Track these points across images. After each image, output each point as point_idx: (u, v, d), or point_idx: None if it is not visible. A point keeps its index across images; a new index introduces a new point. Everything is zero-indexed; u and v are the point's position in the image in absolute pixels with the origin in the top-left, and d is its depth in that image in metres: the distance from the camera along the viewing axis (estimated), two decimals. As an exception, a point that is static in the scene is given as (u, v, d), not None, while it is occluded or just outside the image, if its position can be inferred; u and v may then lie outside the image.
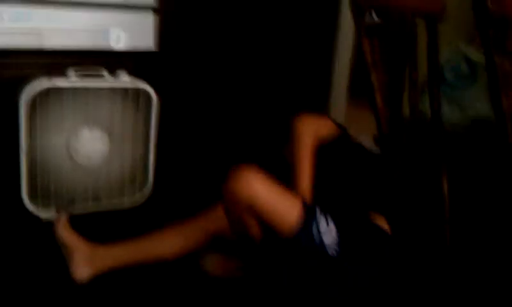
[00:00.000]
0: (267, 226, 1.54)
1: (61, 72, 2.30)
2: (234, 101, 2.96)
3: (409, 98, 2.14)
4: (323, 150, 1.78)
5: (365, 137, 2.30)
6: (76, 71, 2.28)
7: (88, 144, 2.34)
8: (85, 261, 1.86)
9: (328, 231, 1.54)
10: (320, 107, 2.84)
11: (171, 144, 2.76)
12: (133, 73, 2.42)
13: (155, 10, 2.63)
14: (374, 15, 2.12)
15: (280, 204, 1.53)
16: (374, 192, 1.83)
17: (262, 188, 1.51)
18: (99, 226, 2.30)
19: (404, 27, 2.24)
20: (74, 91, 2.27)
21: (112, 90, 2.34)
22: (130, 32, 2.54)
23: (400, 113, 2.26)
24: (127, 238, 2.15)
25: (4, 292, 1.77)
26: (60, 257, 1.99)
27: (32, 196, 2.26)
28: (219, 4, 2.88)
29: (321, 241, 1.52)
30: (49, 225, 2.25)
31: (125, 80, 2.36)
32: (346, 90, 2.89)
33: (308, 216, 1.54)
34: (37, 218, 2.27)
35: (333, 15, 2.82)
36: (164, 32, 2.70)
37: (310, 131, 1.80)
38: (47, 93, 2.21)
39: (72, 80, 2.26)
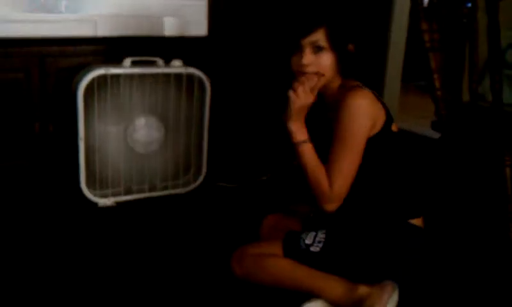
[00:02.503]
0: None
1: (116, 60, 2.33)
2: (286, 84, 2.94)
3: (469, 82, 2.09)
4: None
5: (420, 123, 2.26)
6: (131, 58, 2.30)
7: (144, 131, 2.37)
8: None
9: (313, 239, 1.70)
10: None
11: (223, 129, 2.77)
12: (185, 59, 2.43)
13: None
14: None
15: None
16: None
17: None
18: (155, 212, 2.33)
19: (463, 8, 2.18)
20: (129, 78, 2.29)
21: (167, 77, 2.36)
22: (182, 18, 2.56)
23: (459, 97, 2.20)
24: (182, 223, 2.17)
25: (63, 276, 1.81)
26: (116, 243, 2.03)
27: (90, 183, 2.30)
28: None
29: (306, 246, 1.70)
30: (106, 211, 2.31)
31: (178, 66, 2.37)
32: (400, 75, 2.83)
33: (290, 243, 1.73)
34: (94, 205, 2.32)
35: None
36: (214, 18, 2.71)
37: None
38: (103, 81, 2.23)
39: (126, 67, 2.28)
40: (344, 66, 1.67)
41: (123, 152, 2.37)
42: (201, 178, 2.53)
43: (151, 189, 2.44)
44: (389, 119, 1.66)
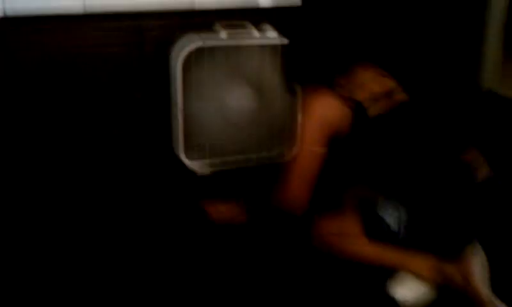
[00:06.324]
0: None
1: (210, 31, 2.36)
2: (379, 57, 2.88)
3: None
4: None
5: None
6: (226, 29, 2.32)
7: (239, 100, 2.39)
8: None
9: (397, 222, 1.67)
10: (473, 64, 2.67)
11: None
12: (278, 28, 2.43)
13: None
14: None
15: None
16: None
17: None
18: (248, 180, 2.36)
19: None
20: (225, 49, 2.32)
21: (261, 47, 2.36)
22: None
23: None
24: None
25: (159, 244, 1.87)
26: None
27: (188, 152, 2.36)
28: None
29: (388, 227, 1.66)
30: (203, 179, 2.37)
31: (273, 36, 2.37)
32: (501, 43, 2.67)
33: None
34: (193, 172, 2.38)
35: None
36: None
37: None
38: (200, 52, 2.27)
39: (222, 38, 2.30)
40: None
41: (218, 121, 2.41)
42: (295, 146, 2.53)
43: (245, 157, 2.47)
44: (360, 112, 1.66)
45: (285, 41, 2.37)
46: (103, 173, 2.38)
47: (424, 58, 2.84)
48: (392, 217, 1.67)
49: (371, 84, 1.85)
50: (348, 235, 1.70)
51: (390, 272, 1.65)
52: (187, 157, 2.36)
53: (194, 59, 2.28)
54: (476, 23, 2.70)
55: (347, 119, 1.68)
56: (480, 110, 2.62)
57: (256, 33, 2.37)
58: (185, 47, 2.26)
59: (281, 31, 2.42)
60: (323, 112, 1.66)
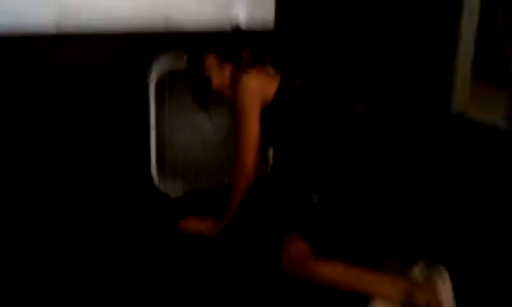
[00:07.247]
0: None
1: (184, 53, 2.37)
2: (352, 78, 2.92)
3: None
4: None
5: (493, 116, 2.20)
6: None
7: (213, 120, 2.41)
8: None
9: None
10: (444, 86, 2.73)
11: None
12: (253, 51, 2.45)
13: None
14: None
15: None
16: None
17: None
18: (221, 200, 2.36)
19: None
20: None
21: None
22: (251, 11, 2.58)
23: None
24: (246, 212, 2.18)
25: (133, 266, 1.86)
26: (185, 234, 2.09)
27: (161, 174, 2.36)
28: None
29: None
30: (177, 202, 2.36)
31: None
32: (470, 68, 2.74)
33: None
34: (166, 196, 2.38)
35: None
36: (280, 12, 2.71)
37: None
38: (173, 74, 2.28)
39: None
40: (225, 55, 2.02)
41: (192, 141, 2.42)
42: (267, 167, 2.55)
43: (218, 177, 2.49)
44: (286, 80, 1.95)
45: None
46: (77, 193, 2.37)
47: (395, 79, 2.89)
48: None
49: None
50: (313, 260, 1.72)
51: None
52: (160, 178, 2.35)
53: (168, 81, 2.29)
54: (447, 46, 2.76)
55: (274, 86, 1.95)
56: (449, 134, 2.68)
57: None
58: (159, 68, 2.27)
59: (257, 54, 2.45)
60: (254, 84, 1.92)
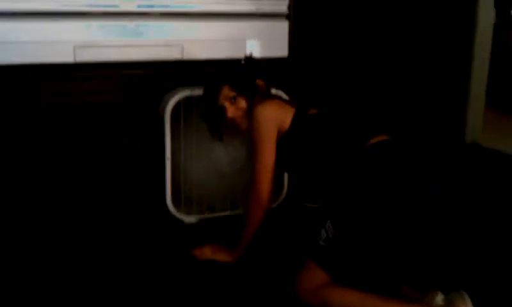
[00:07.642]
0: None
1: (200, 82, 2.40)
2: (365, 107, 2.93)
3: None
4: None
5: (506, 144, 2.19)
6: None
7: (227, 151, 2.42)
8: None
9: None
10: (458, 113, 2.73)
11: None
12: (268, 80, 2.48)
13: (288, 17, 2.68)
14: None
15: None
16: None
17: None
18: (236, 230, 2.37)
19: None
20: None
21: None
22: (265, 41, 2.62)
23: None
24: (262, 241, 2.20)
25: (147, 292, 1.86)
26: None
27: (176, 202, 2.37)
28: (351, 9, 2.88)
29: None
30: (191, 228, 2.37)
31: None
32: (484, 95, 2.74)
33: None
34: (179, 221, 2.39)
35: (470, 13, 2.70)
36: (295, 39, 2.75)
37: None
38: (189, 102, 2.31)
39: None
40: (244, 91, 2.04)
41: (207, 171, 2.43)
42: (281, 198, 2.55)
43: (233, 207, 2.49)
44: (301, 110, 1.98)
45: (273, 90, 2.42)
46: (94, 223, 2.38)
47: (410, 107, 2.90)
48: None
49: None
50: (332, 286, 1.71)
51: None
52: (174, 204, 2.37)
53: (183, 108, 2.31)
54: (460, 77, 2.77)
55: (289, 116, 1.97)
56: (463, 161, 2.67)
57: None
58: (174, 96, 2.30)
59: (272, 83, 2.48)
60: (269, 114, 1.95)
